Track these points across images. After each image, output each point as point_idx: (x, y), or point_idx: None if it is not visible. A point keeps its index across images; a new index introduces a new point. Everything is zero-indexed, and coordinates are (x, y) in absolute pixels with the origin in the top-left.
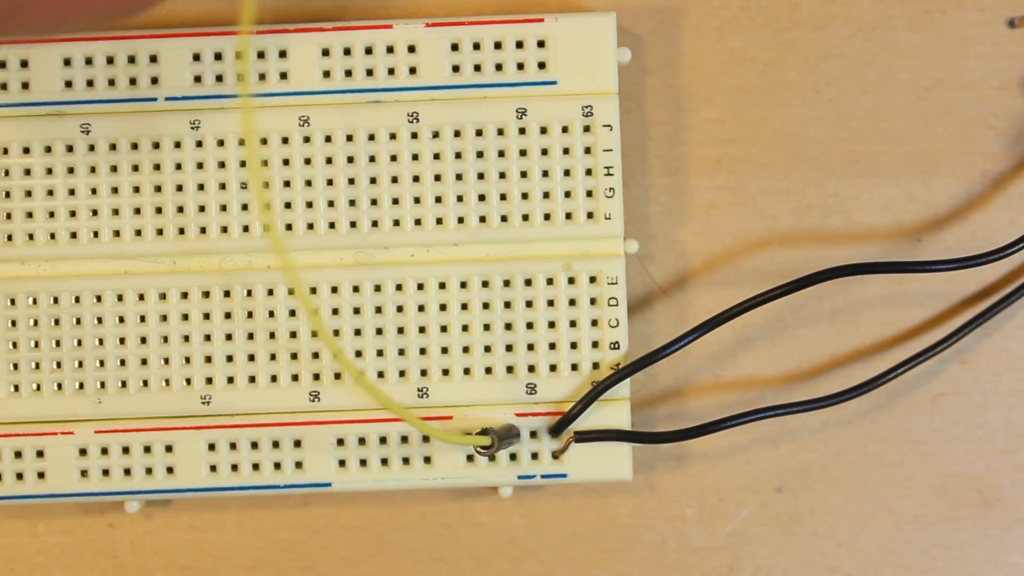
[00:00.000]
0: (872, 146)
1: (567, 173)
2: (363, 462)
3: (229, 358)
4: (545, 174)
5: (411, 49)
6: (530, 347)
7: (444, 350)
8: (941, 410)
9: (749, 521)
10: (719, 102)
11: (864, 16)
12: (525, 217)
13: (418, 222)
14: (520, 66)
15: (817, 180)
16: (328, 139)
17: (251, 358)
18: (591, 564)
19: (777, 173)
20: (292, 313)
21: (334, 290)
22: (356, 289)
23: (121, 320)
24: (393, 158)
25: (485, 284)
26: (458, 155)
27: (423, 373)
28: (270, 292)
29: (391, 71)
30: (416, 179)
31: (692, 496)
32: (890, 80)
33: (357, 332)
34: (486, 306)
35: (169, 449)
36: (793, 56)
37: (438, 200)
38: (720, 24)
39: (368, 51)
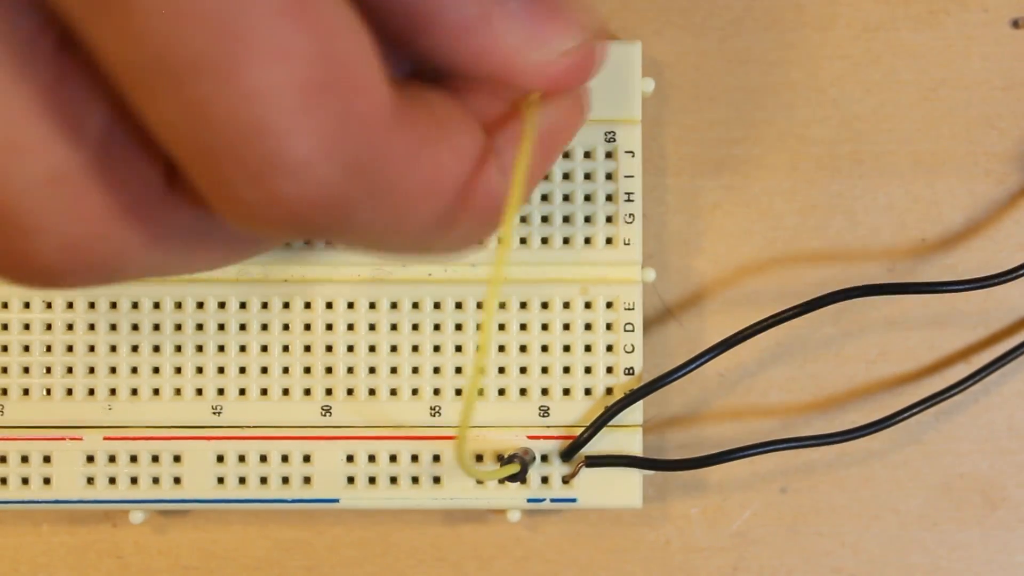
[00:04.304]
0: (876, 146)
1: (588, 198)
2: (372, 480)
3: (242, 370)
4: (566, 198)
5: None
6: (544, 370)
7: (458, 370)
8: (945, 410)
9: (753, 521)
10: (723, 102)
11: (868, 17)
12: (544, 240)
13: None
14: None
15: (821, 180)
16: None
17: (264, 371)
18: (595, 564)
19: (781, 173)
20: (307, 327)
21: (350, 306)
22: (372, 306)
23: (135, 328)
24: None
25: (502, 306)
26: None
27: (436, 392)
28: (286, 305)
29: None
30: None
31: (696, 496)
32: (894, 81)
33: (372, 348)
34: (502, 327)
35: (177, 459)
36: (797, 56)
37: None
38: (724, 24)
39: None
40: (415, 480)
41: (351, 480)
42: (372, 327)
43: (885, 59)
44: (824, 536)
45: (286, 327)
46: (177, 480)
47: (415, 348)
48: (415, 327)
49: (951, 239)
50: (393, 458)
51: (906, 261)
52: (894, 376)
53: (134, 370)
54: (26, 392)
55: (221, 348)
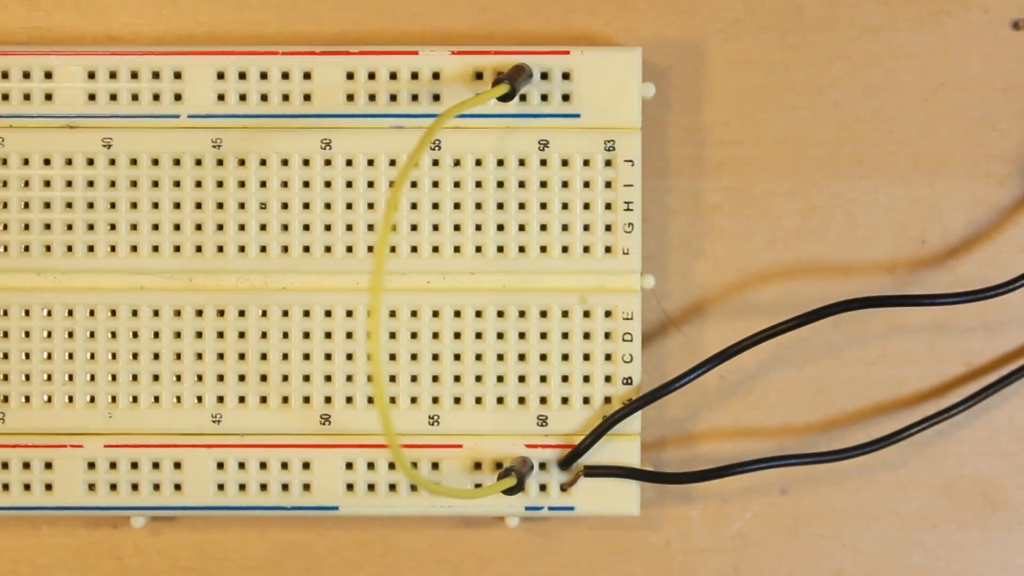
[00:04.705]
0: (876, 148)
1: (587, 206)
2: (371, 487)
3: (241, 377)
4: (565, 206)
5: (435, 76)
6: (543, 379)
7: (457, 378)
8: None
9: (753, 523)
10: (724, 104)
11: (868, 18)
12: (543, 249)
13: (436, 249)
14: (544, 97)
15: (821, 181)
16: (349, 163)
17: (263, 378)
18: (596, 565)
19: (782, 174)
20: (306, 335)
21: (349, 314)
22: (371, 314)
23: (135, 335)
24: (413, 184)
25: (500, 314)
26: (478, 184)
27: (435, 400)
28: (285, 313)
29: (415, 97)
30: (436, 206)
31: (696, 497)
32: (894, 82)
33: (370, 357)
34: (500, 336)
35: (178, 466)
36: (798, 58)
37: (457, 228)
38: (725, 26)
39: (393, 76)
40: (414, 487)
41: (350, 487)
42: (371, 335)
43: (885, 60)
44: (824, 538)
45: (285, 335)
46: (178, 487)
47: (413, 356)
48: (413, 335)
49: (951, 240)
50: (392, 465)
51: (906, 262)
52: (895, 379)
53: (134, 378)
54: (27, 399)
55: (220, 356)
